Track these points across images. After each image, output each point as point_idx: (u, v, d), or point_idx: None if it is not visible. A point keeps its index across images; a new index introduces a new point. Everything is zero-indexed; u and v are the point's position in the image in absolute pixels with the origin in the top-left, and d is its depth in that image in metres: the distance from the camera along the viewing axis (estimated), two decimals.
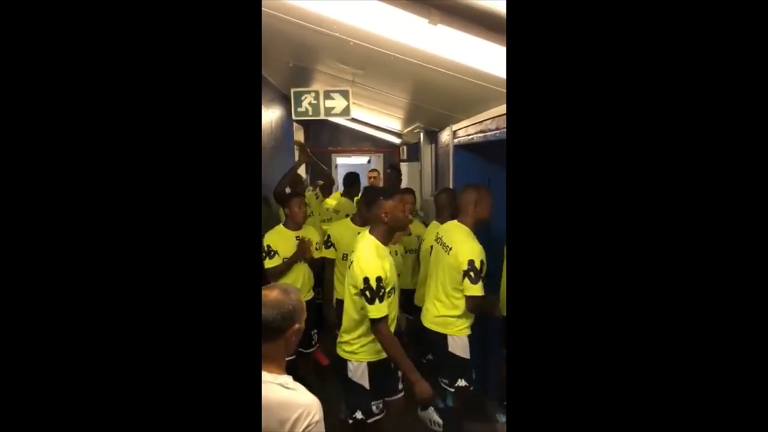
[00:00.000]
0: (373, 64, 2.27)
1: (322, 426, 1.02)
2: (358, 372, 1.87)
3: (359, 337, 1.85)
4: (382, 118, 4.49)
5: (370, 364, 1.87)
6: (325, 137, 6.10)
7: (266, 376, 1.03)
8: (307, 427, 0.99)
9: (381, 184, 4.66)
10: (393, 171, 4.02)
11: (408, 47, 1.73)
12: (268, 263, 2.46)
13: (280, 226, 2.57)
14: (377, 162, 6.52)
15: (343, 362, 1.90)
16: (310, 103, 2.70)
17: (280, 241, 2.49)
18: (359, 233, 2.45)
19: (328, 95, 2.70)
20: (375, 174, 4.39)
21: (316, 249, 2.61)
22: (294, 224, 2.54)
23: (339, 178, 6.47)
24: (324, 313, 2.66)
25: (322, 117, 2.74)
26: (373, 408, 1.90)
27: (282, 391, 1.02)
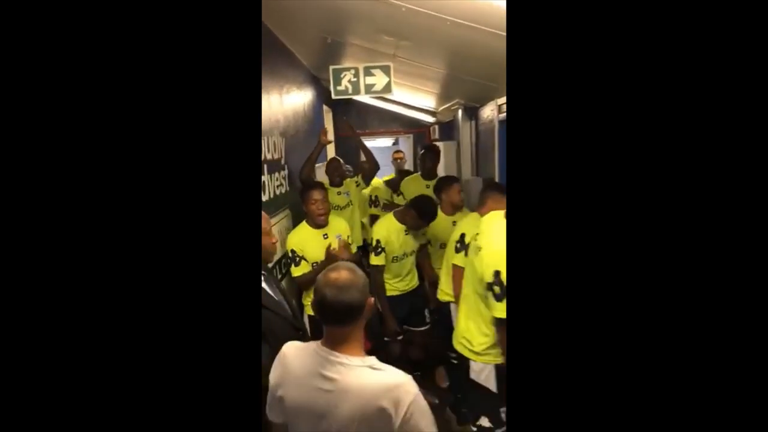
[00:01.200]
0: (418, 33, 2.10)
1: (422, 398, 0.95)
2: (483, 374, 1.64)
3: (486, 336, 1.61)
4: (415, 95, 4.30)
5: (497, 367, 1.62)
6: (353, 119, 5.95)
7: (352, 360, 0.97)
8: (410, 404, 0.92)
9: (407, 167, 4.41)
10: (429, 152, 3.29)
11: (458, 5, 1.56)
12: (296, 271, 2.12)
13: (304, 225, 2.22)
14: (407, 143, 6.35)
15: (465, 360, 1.68)
16: (350, 81, 2.55)
17: (305, 242, 2.15)
18: (407, 232, 2.28)
19: (368, 72, 2.54)
20: (401, 155, 4.09)
21: (349, 243, 2.26)
22: (315, 223, 2.18)
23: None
24: (383, 323, 2.37)
25: (362, 95, 2.59)
26: (503, 415, 1.65)
27: (373, 374, 0.96)
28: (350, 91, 2.57)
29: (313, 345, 1.04)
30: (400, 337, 2.47)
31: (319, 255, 2.14)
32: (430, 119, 4.98)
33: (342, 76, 2.56)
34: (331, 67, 2.56)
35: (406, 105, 4.87)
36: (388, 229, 2.31)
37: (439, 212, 2.41)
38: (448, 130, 5.08)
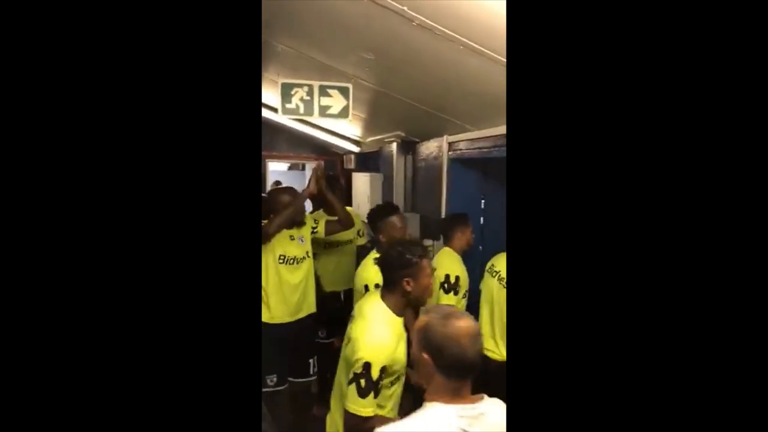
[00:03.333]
0: (401, 53, 1.83)
1: None
2: None
3: None
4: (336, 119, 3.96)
5: None
6: (263, 139, 5.38)
7: (485, 403, 0.95)
8: None
9: None
10: (333, 183, 2.87)
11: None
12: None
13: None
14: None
15: None
16: (302, 99, 2.15)
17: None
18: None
19: (324, 91, 2.18)
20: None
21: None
22: None
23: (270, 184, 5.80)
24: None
25: (315, 117, 2.21)
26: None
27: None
28: (302, 110, 2.18)
29: (443, 409, 0.92)
30: None
31: None
32: (352, 147, 4.69)
33: (293, 92, 2.15)
34: (281, 81, 2.13)
35: (327, 130, 4.52)
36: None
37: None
38: (365, 161, 4.85)
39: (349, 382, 1.30)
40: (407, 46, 1.68)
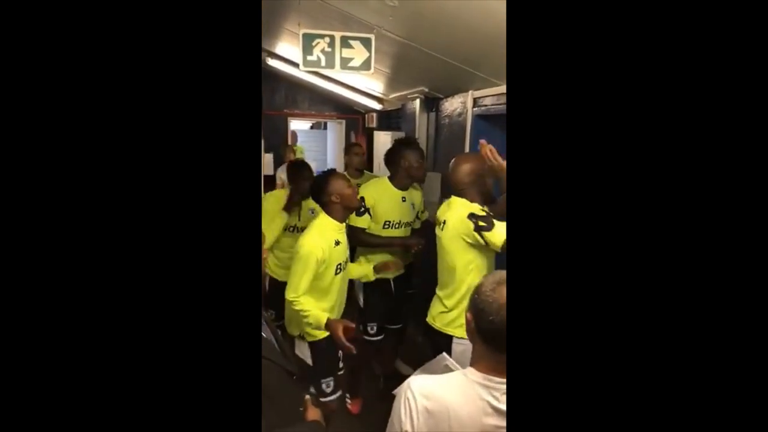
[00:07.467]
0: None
1: None
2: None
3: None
4: (356, 75, 3.86)
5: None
6: (281, 98, 5.35)
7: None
8: None
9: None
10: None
11: None
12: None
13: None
14: (338, 130, 5.92)
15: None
16: (323, 51, 2.09)
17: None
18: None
19: (345, 42, 2.11)
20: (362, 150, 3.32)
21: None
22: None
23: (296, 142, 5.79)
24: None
25: (336, 70, 2.15)
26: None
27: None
28: (323, 63, 2.12)
29: (473, 376, 0.91)
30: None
31: None
32: (374, 105, 4.60)
33: (314, 43, 2.09)
34: (302, 31, 2.07)
35: (349, 87, 4.43)
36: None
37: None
38: (387, 119, 4.77)
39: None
40: None
